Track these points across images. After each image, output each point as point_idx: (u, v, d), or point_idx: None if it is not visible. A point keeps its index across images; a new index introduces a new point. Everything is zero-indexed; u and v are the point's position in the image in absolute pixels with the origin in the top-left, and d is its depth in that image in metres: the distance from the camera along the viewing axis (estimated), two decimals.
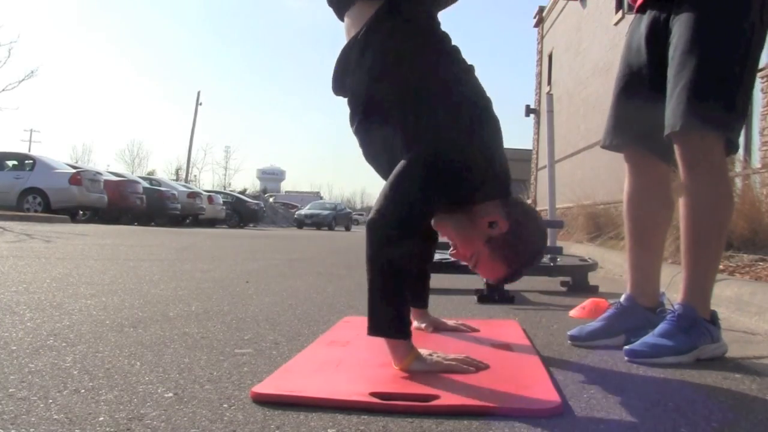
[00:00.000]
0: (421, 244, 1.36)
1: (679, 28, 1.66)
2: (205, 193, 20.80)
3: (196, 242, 7.63)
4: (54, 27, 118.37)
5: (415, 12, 1.51)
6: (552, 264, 3.59)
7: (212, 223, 19.65)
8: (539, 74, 19.89)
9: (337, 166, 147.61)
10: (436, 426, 1.01)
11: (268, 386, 1.17)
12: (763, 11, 1.63)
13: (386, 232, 1.33)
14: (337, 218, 27.94)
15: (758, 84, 6.10)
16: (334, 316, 2.16)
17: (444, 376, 1.27)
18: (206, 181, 67.08)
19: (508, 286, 2.82)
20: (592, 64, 12.91)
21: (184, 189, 19.09)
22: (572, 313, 2.43)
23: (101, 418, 0.98)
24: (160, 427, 0.96)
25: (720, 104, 1.60)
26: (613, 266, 4.74)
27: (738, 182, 4.85)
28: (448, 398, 1.13)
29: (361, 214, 70.09)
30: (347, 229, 28.17)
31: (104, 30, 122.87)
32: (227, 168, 68.52)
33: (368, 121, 1.50)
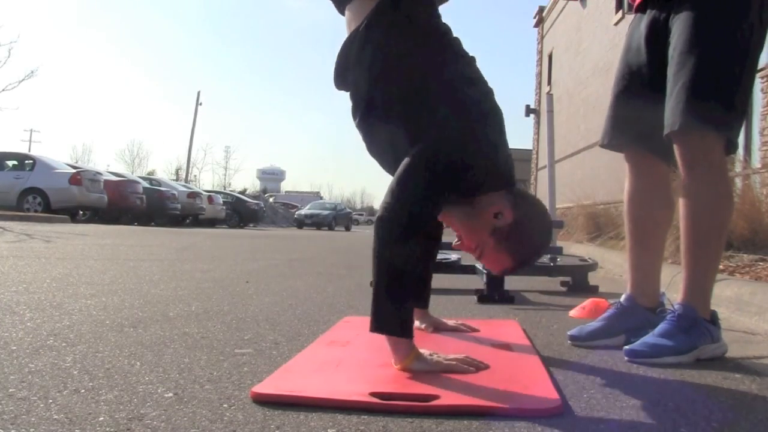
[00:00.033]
0: (428, 243, 1.36)
1: (679, 27, 1.66)
2: (205, 193, 20.79)
3: (196, 242, 7.63)
4: (54, 27, 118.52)
5: (415, 6, 1.50)
6: (552, 264, 3.59)
7: (212, 223, 19.65)
8: (539, 74, 19.89)
9: (337, 166, 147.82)
10: (436, 426, 1.01)
11: (268, 386, 1.17)
12: (762, 11, 1.63)
13: (394, 230, 1.33)
14: (337, 218, 27.94)
15: (758, 84, 6.10)
16: (334, 316, 2.16)
17: (444, 376, 1.27)
18: (206, 181, 67.18)
19: (508, 286, 2.83)
20: (592, 64, 12.91)
21: (184, 189, 19.09)
22: (572, 313, 2.43)
23: (101, 418, 0.98)
24: (160, 427, 0.96)
25: (719, 104, 1.60)
26: (613, 266, 4.74)
27: (738, 182, 4.85)
28: (448, 398, 1.13)
29: (361, 214, 70.13)
30: (347, 229, 28.17)
31: (104, 30, 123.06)
32: (227, 168, 68.64)
33: (370, 116, 1.50)
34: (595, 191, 9.78)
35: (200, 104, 37.78)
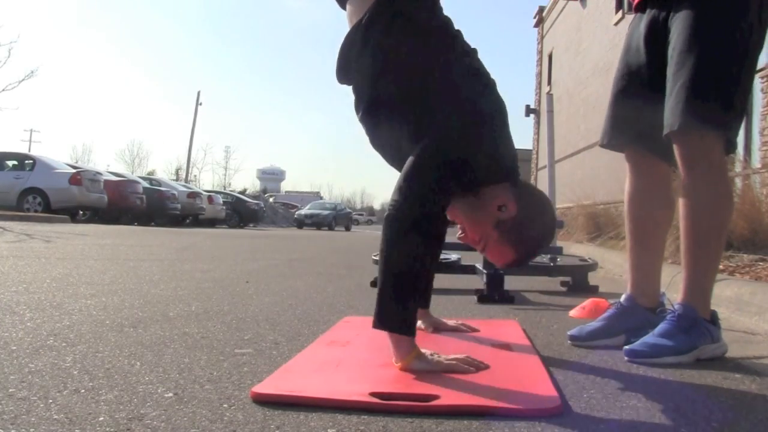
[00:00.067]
0: (435, 242, 1.36)
1: (678, 27, 1.66)
2: (205, 193, 20.79)
3: (196, 242, 7.63)
4: (54, 27, 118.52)
5: (415, 0, 1.50)
6: (552, 264, 3.59)
7: (212, 223, 19.64)
8: (539, 74, 19.89)
9: (337, 166, 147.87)
10: (436, 426, 1.01)
11: (268, 386, 1.17)
12: (762, 11, 1.63)
13: (402, 228, 1.33)
14: (337, 218, 27.93)
15: (758, 84, 6.10)
16: (334, 316, 2.16)
17: (444, 376, 1.27)
18: (206, 181, 67.16)
19: (508, 286, 2.83)
20: (592, 64, 12.91)
21: (184, 189, 19.09)
22: (572, 313, 2.43)
23: (101, 418, 0.98)
24: (160, 427, 0.96)
25: (718, 104, 1.60)
26: (613, 266, 4.74)
27: (738, 182, 4.85)
28: (448, 398, 1.13)
29: (361, 214, 70.12)
30: (347, 229, 28.17)
31: (104, 30, 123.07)
32: (227, 168, 68.59)
33: (373, 112, 1.50)
34: (595, 191, 9.78)
35: (200, 104, 37.82)
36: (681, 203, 1.69)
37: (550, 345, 1.79)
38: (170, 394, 1.13)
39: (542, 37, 19.64)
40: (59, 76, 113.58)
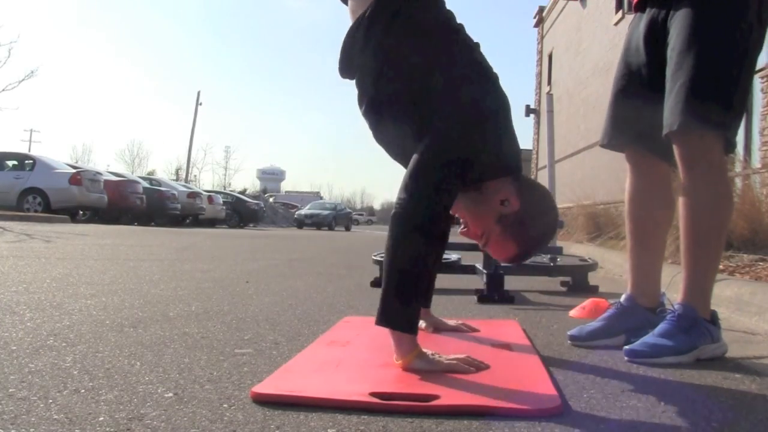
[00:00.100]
0: (439, 241, 1.37)
1: (677, 27, 1.66)
2: (205, 193, 20.79)
3: (196, 242, 7.63)
4: (54, 27, 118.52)
5: None
6: (552, 264, 3.59)
7: (212, 223, 19.64)
8: (539, 74, 19.89)
9: (337, 166, 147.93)
10: (436, 426, 1.01)
11: (268, 386, 1.17)
12: (761, 11, 1.63)
13: (408, 226, 1.33)
14: (337, 218, 27.93)
15: (758, 84, 6.10)
16: (334, 316, 2.16)
17: (444, 376, 1.27)
18: (206, 181, 67.15)
19: (508, 287, 2.83)
20: (592, 64, 12.92)
21: (184, 189, 19.09)
22: (572, 313, 2.43)
23: (101, 418, 0.98)
24: (160, 427, 0.96)
25: (717, 103, 1.60)
26: (613, 266, 4.74)
27: (738, 182, 4.85)
28: (448, 398, 1.13)
29: (361, 214, 70.13)
30: (347, 229, 28.17)
31: (104, 30, 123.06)
32: (227, 168, 68.59)
33: (376, 108, 1.50)
34: (595, 191, 9.78)
35: (200, 104, 37.83)
36: (681, 203, 1.69)
37: (550, 345, 1.79)
38: (170, 394, 1.13)
39: (542, 37, 19.65)
40: (59, 76, 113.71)
